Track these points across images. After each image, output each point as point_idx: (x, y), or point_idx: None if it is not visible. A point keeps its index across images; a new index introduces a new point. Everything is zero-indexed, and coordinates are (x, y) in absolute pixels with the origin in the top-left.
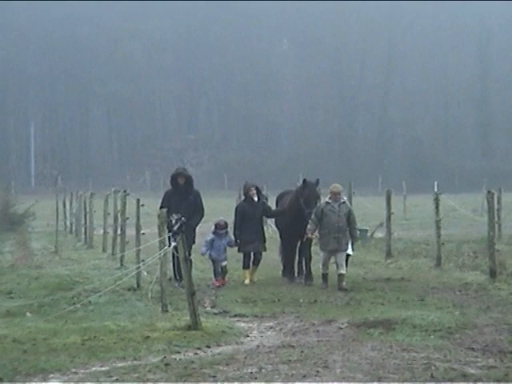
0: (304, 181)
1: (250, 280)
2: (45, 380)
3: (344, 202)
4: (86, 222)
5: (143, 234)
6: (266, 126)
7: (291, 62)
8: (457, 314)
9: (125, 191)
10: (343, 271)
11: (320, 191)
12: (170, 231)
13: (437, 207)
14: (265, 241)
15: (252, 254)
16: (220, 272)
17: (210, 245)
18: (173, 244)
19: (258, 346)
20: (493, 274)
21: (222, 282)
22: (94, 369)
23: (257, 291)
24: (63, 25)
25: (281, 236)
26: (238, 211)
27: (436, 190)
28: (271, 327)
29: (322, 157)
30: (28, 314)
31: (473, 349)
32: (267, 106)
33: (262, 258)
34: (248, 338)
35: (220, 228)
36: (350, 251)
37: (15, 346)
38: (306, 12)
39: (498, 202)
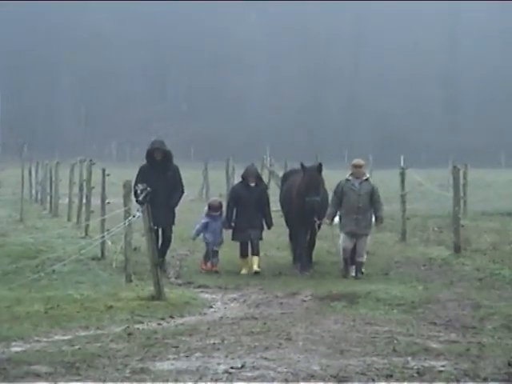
0: (302, 166)
1: (249, 270)
2: (7, 347)
3: (367, 179)
4: (51, 191)
5: (108, 203)
6: (233, 98)
7: (260, 35)
8: (420, 288)
9: (90, 160)
10: (361, 259)
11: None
12: (136, 201)
13: (402, 182)
14: (262, 229)
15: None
16: (212, 256)
17: (205, 229)
18: (137, 214)
19: (221, 318)
20: (457, 249)
21: (212, 267)
22: (56, 337)
23: (221, 263)
24: None
25: (287, 223)
26: (232, 194)
27: (402, 164)
28: (235, 299)
29: (289, 130)
30: None
31: (435, 323)
32: (235, 78)
33: (259, 248)
34: (211, 310)
35: (214, 209)
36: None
37: None
38: None
39: (464, 178)
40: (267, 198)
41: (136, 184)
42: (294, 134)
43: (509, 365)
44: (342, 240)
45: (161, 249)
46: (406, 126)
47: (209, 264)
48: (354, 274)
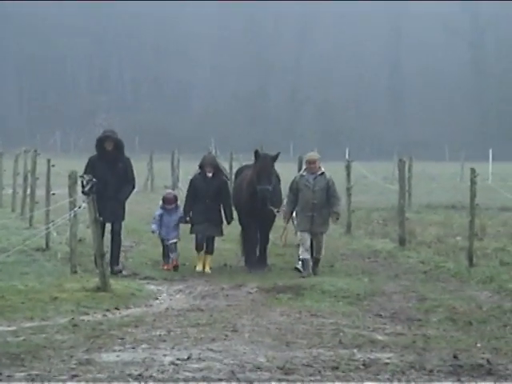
0: (256, 152)
1: (204, 267)
2: None
3: (322, 174)
4: None
5: (53, 194)
6: (178, 87)
7: (204, 24)
8: (366, 280)
9: (35, 151)
10: (318, 255)
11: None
12: (82, 192)
13: (348, 174)
14: (221, 223)
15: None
16: (169, 253)
17: (159, 221)
18: (83, 205)
19: (167, 309)
20: (402, 241)
21: (171, 265)
22: (1, 328)
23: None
24: None
25: (239, 220)
26: (190, 185)
27: (347, 157)
28: (180, 290)
29: (234, 120)
30: None
31: (381, 315)
32: (179, 68)
33: (213, 246)
34: (157, 301)
35: (168, 203)
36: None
37: None
38: None
39: (409, 171)
40: (227, 190)
41: (83, 175)
42: (239, 124)
43: (454, 357)
44: (300, 239)
45: (112, 249)
46: (350, 118)
47: (170, 262)
48: (310, 270)
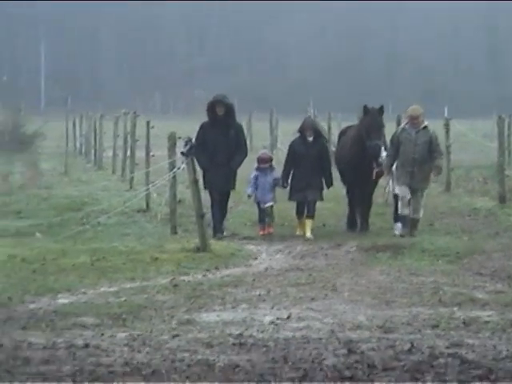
0: (364, 107)
1: (304, 233)
2: (54, 299)
3: (425, 128)
4: (95, 144)
5: (153, 156)
6: (274, 49)
7: None
8: (465, 239)
9: (135, 113)
10: (417, 215)
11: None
12: (181, 153)
13: (447, 132)
14: (321, 188)
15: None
16: (265, 217)
17: (255, 184)
18: (182, 166)
19: (267, 269)
20: (502, 199)
21: (267, 229)
22: (102, 289)
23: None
24: None
25: (342, 179)
26: (289, 150)
27: (446, 115)
28: (280, 250)
29: (330, 81)
30: (37, 234)
31: (481, 274)
32: (276, 31)
33: (315, 210)
34: (256, 261)
35: (263, 162)
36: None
37: (24, 265)
38: None
39: (509, 128)
40: (327, 154)
41: (196, 143)
42: (336, 85)
43: None
44: (400, 192)
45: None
46: (448, 77)
47: (264, 227)
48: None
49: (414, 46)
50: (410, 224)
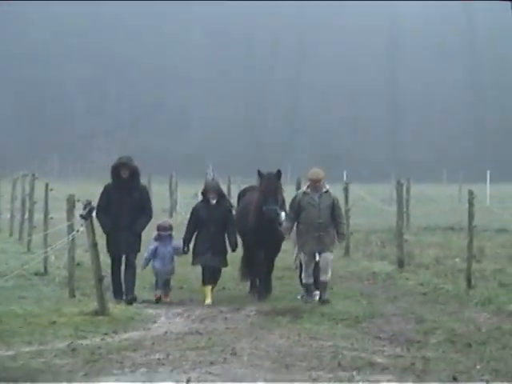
0: (259, 172)
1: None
2: None
3: (327, 192)
4: None
5: (51, 218)
6: (176, 113)
7: (203, 51)
8: (364, 303)
9: (33, 175)
10: (325, 278)
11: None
12: (79, 216)
13: (346, 196)
14: (226, 253)
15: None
16: (162, 284)
17: (153, 255)
18: (81, 229)
19: (166, 333)
20: (400, 263)
21: (164, 298)
22: None
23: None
24: None
25: (243, 244)
26: (192, 213)
27: (345, 179)
28: (179, 314)
29: (231, 146)
30: None
31: (380, 338)
32: (178, 94)
33: (219, 276)
34: (156, 325)
35: (163, 229)
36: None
37: None
38: (217, 2)
39: (407, 193)
40: (231, 217)
41: (99, 205)
42: (236, 149)
43: (453, 379)
44: (304, 262)
45: (126, 280)
46: (347, 142)
47: (161, 294)
48: (317, 297)
49: (313, 108)
50: (320, 287)
